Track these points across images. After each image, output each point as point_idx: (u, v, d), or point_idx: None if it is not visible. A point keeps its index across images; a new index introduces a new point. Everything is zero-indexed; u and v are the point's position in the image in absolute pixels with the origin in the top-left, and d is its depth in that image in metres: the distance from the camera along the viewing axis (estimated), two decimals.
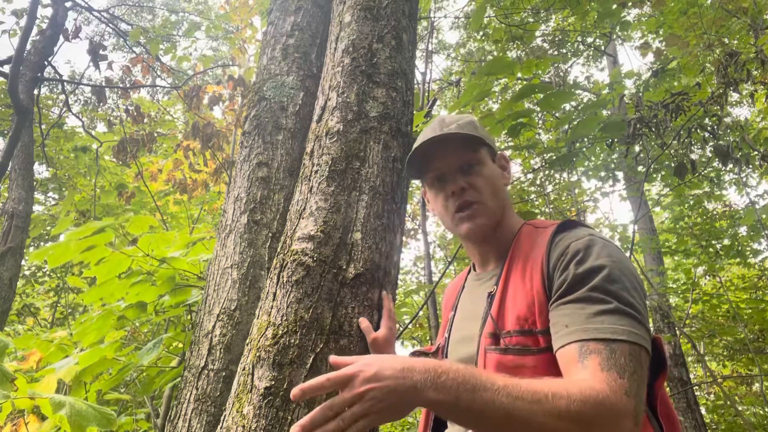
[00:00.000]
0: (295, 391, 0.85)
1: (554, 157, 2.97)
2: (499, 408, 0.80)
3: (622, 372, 0.85)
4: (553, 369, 0.96)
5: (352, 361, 0.87)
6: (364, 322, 1.26)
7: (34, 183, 5.64)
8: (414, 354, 1.34)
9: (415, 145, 1.25)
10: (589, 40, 9.45)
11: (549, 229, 1.12)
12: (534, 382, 0.84)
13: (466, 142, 1.22)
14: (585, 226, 1.12)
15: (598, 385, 0.83)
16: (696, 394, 6.95)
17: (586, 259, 0.99)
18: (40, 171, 9.05)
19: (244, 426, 1.11)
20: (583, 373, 0.87)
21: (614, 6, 4.80)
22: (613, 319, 0.90)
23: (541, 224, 1.19)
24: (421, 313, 6.76)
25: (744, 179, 7.96)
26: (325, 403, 0.84)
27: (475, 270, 1.31)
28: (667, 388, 6.50)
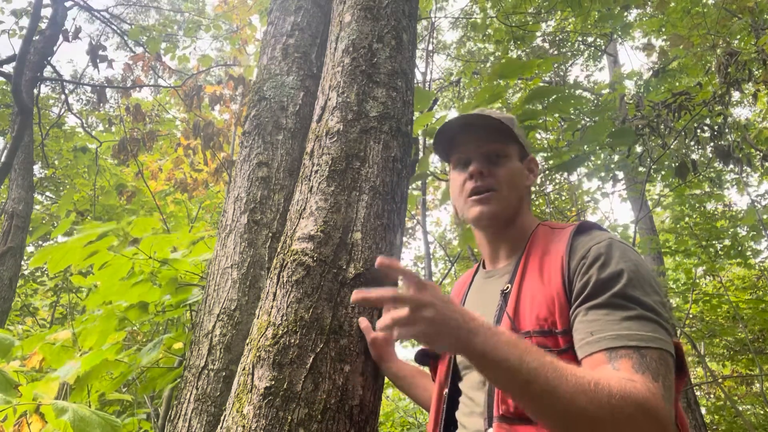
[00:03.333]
0: (381, 260, 0.88)
1: (561, 161, 2.96)
2: (544, 381, 0.81)
3: (655, 375, 0.85)
4: None
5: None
6: (363, 322, 1.26)
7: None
8: (419, 354, 1.33)
9: (447, 120, 1.24)
10: (590, 39, 9.43)
11: (567, 230, 1.11)
12: (576, 368, 0.85)
13: (497, 131, 1.22)
14: (602, 229, 1.11)
15: (638, 384, 0.83)
16: (696, 394, 6.94)
17: (607, 264, 0.98)
18: (39, 171, 9.05)
19: (244, 426, 1.11)
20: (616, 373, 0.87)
21: (616, 9, 4.79)
22: (638, 326, 0.90)
23: (558, 225, 1.19)
24: None
25: (744, 179, 7.96)
26: (395, 290, 0.87)
27: (484, 267, 1.30)
28: None
